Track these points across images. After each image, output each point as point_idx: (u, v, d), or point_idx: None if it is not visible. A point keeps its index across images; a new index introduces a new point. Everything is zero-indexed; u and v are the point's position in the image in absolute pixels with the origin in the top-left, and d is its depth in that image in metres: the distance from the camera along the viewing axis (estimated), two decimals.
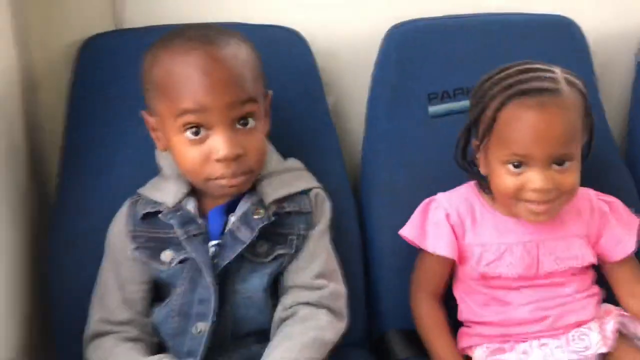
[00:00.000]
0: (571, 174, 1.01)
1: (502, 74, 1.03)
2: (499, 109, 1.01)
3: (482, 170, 1.09)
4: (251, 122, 0.95)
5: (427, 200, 1.14)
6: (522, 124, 0.98)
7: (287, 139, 1.13)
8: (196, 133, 0.93)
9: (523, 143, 0.98)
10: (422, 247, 1.11)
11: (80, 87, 1.15)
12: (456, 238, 1.09)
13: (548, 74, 1.01)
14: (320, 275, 0.99)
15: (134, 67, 1.13)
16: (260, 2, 1.28)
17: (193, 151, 0.93)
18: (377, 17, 1.30)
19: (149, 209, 1.00)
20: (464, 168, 1.12)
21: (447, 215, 1.10)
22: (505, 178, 1.02)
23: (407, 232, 1.12)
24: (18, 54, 1.13)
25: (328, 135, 1.22)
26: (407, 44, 1.24)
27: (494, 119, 1.01)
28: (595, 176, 1.19)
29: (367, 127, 1.26)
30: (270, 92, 1.03)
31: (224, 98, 0.91)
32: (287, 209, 1.00)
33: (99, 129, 1.14)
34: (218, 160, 0.93)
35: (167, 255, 0.98)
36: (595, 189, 1.15)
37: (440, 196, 1.13)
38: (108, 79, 1.16)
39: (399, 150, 1.20)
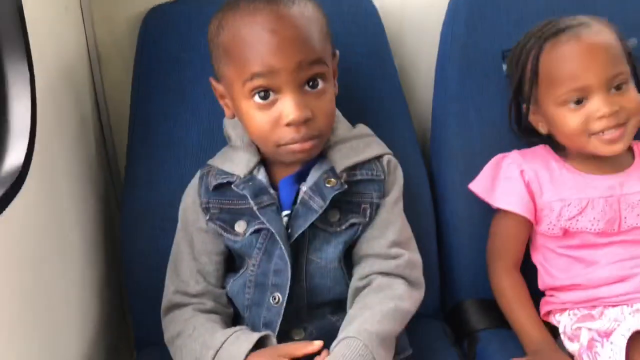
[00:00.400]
0: (632, 94, 1.01)
1: (529, 32, 1.06)
2: (538, 56, 1.02)
3: (543, 130, 1.06)
4: (320, 84, 0.92)
5: (499, 155, 1.09)
6: (566, 58, 1.00)
7: (354, 103, 1.10)
8: (265, 97, 0.91)
9: (575, 75, 0.99)
10: (490, 201, 1.06)
11: (145, 58, 1.15)
12: (531, 196, 1.05)
13: (573, 18, 1.04)
14: (395, 244, 0.97)
15: (196, 37, 1.13)
16: None
17: (262, 116, 0.91)
18: None
19: (220, 180, 0.99)
20: (524, 136, 1.09)
21: (522, 172, 1.06)
22: (568, 119, 1.01)
23: (476, 186, 1.09)
24: (85, 28, 1.14)
25: (396, 98, 1.18)
26: (477, 0, 1.17)
27: (537, 68, 1.03)
28: None
29: (436, 89, 1.21)
30: (337, 52, 1.00)
31: (292, 58, 0.88)
32: (359, 177, 0.98)
33: (165, 100, 1.14)
34: (288, 125, 0.90)
35: (240, 225, 0.97)
36: None
37: (515, 153, 1.09)
38: (172, 49, 1.15)
39: (472, 112, 1.14)
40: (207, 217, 0.99)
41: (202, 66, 1.12)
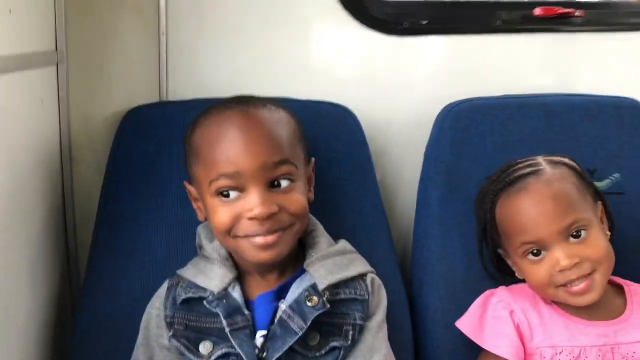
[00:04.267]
0: (594, 242, 0.96)
1: (489, 178, 1.05)
2: (493, 209, 1.01)
3: (519, 275, 1.03)
4: (285, 183, 0.90)
5: (487, 292, 1.04)
6: (516, 212, 0.98)
7: (335, 218, 1.07)
8: (228, 195, 0.89)
9: (526, 229, 0.97)
10: (478, 342, 1.00)
11: (118, 159, 1.10)
12: (521, 339, 0.99)
13: (528, 162, 1.02)
14: None
15: (175, 141, 1.10)
16: (309, 78, 1.25)
17: (225, 210, 0.89)
18: (430, 94, 1.26)
19: (190, 294, 0.92)
20: (501, 277, 1.06)
21: (512, 313, 1.00)
22: (532, 271, 0.98)
23: (463, 324, 1.03)
24: (60, 124, 1.11)
25: (377, 215, 1.14)
26: (462, 123, 1.17)
27: (493, 221, 1.01)
28: None
29: (418, 211, 1.18)
30: (313, 159, 0.99)
31: (258, 158, 0.88)
32: (342, 296, 0.92)
33: (135, 206, 1.08)
34: (250, 219, 0.87)
35: (206, 346, 0.90)
36: None
37: (503, 290, 1.04)
38: (147, 152, 1.11)
39: (455, 237, 1.11)
40: (171, 333, 0.91)
41: (177, 172, 1.09)
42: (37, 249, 1.03)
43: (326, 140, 1.12)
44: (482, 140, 1.16)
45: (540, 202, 0.96)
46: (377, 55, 1.28)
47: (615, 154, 1.14)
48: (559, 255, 0.95)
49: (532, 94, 1.23)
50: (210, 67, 1.23)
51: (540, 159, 1.02)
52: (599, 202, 1.02)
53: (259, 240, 0.88)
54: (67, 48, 1.12)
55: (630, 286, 1.04)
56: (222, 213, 0.89)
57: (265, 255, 0.89)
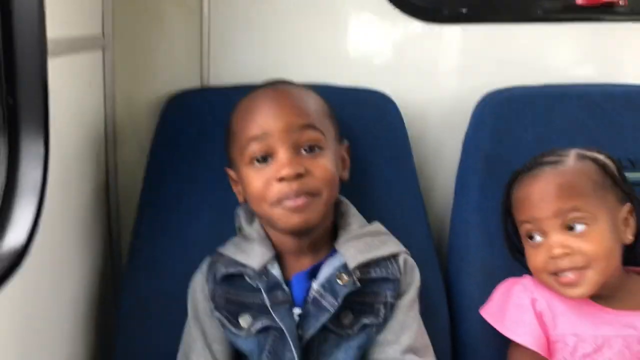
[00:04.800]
0: (594, 237, 0.94)
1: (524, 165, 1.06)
2: (510, 191, 1.03)
3: None
4: (316, 150, 0.93)
5: (511, 279, 1.04)
6: (522, 193, 1.00)
7: (371, 203, 1.08)
8: (262, 161, 0.93)
9: (524, 208, 0.99)
10: (500, 330, 1.00)
11: (161, 143, 1.13)
12: (543, 328, 0.98)
13: (557, 153, 1.02)
14: (409, 350, 0.91)
15: (217, 126, 1.11)
16: (348, 66, 1.25)
17: (258, 177, 0.92)
18: (469, 82, 1.26)
19: (231, 270, 0.95)
20: (516, 256, 1.06)
21: (533, 301, 1.00)
22: (530, 255, 0.99)
23: (486, 312, 1.03)
24: (106, 106, 1.13)
25: (414, 201, 1.14)
26: (502, 112, 1.17)
27: (509, 203, 1.03)
28: None
29: (456, 198, 1.18)
30: (347, 142, 1.01)
31: (282, 119, 0.92)
32: (373, 275, 0.93)
33: (177, 188, 1.11)
34: (280, 180, 0.90)
35: (246, 319, 0.92)
36: None
37: (527, 279, 1.04)
38: (190, 136, 1.13)
39: (494, 226, 1.10)
40: (213, 306, 0.94)
41: (218, 156, 1.09)
42: (82, 228, 1.05)
43: (365, 126, 1.13)
44: (523, 130, 1.15)
45: (544, 185, 0.98)
46: (416, 43, 1.28)
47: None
48: (553, 242, 0.95)
49: (573, 84, 1.22)
50: (251, 55, 1.24)
51: (571, 152, 1.01)
52: (628, 204, 0.99)
53: (290, 203, 0.90)
54: (114, 33, 1.14)
55: None
56: (254, 180, 0.92)
57: (296, 219, 0.90)
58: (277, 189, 0.90)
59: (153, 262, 1.07)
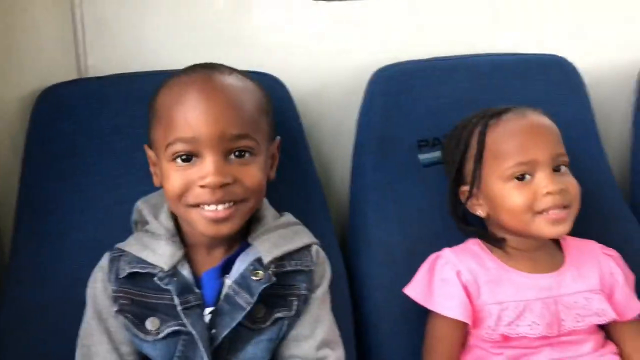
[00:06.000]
0: (573, 181, 1.01)
1: (468, 117, 1.07)
2: (485, 132, 1.02)
3: (482, 213, 1.04)
4: (247, 156, 0.88)
5: (433, 255, 1.05)
6: (514, 133, 1.01)
7: (270, 192, 1.03)
8: (186, 160, 0.87)
9: (523, 149, 0.99)
10: (429, 307, 1.01)
11: (36, 142, 1.05)
12: (470, 298, 1.00)
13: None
14: (324, 344, 0.90)
15: (94, 118, 1.06)
16: (235, 47, 1.21)
17: (179, 175, 0.87)
18: (360, 60, 1.24)
19: (137, 269, 0.89)
20: (461, 222, 1.07)
21: (458, 273, 1.01)
22: (513, 195, 0.99)
23: (412, 291, 1.03)
24: None
25: (312, 185, 1.13)
26: (393, 88, 1.17)
27: (482, 144, 1.02)
28: (600, 223, 1.14)
29: (353, 178, 1.18)
30: (279, 138, 0.97)
31: (216, 126, 0.85)
32: (288, 268, 0.91)
33: (56, 188, 1.04)
34: (202, 187, 0.85)
35: (153, 322, 0.87)
36: (601, 235, 1.09)
37: (447, 252, 1.04)
38: (66, 133, 1.06)
39: (390, 202, 1.11)
40: (116, 308, 0.88)
41: (97, 150, 1.05)
42: None
43: None
44: (413, 104, 1.16)
45: (539, 127, 1.01)
46: (305, 20, 1.24)
47: (544, 111, 1.14)
48: (548, 180, 0.97)
49: (460, 55, 1.23)
50: (131, 41, 1.17)
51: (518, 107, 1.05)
52: None
53: (209, 213, 0.86)
54: None
55: (566, 239, 1.07)
56: (175, 178, 0.87)
57: (215, 230, 0.87)
58: (197, 193, 0.86)
59: (35, 270, 1.00)
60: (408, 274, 1.04)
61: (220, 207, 0.86)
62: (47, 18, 1.12)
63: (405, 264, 1.06)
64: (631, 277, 1.07)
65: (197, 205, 0.86)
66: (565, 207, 0.98)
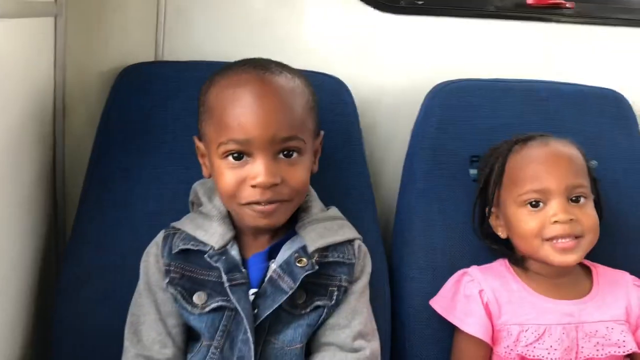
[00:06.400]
0: (589, 211, 1.02)
1: (502, 141, 1.10)
2: (506, 156, 1.06)
3: (502, 234, 1.07)
4: (295, 156, 0.92)
5: (460, 272, 1.08)
6: (531, 160, 1.04)
7: (323, 187, 1.08)
8: (238, 158, 0.91)
9: (537, 176, 1.01)
10: (450, 320, 1.04)
11: (112, 115, 1.11)
12: (490, 317, 1.03)
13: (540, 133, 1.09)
14: (359, 336, 0.93)
15: (170, 100, 1.12)
16: (304, 49, 1.27)
17: (231, 174, 0.91)
18: (421, 73, 1.29)
19: (190, 246, 0.94)
20: (484, 240, 1.10)
21: (481, 292, 1.04)
22: (525, 220, 1.02)
23: (436, 303, 1.07)
24: (56, 75, 1.11)
25: (363, 187, 1.17)
26: (450, 103, 1.20)
27: (503, 167, 1.06)
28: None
29: (402, 184, 1.22)
30: (322, 132, 1.00)
31: (268, 129, 0.89)
32: (330, 259, 0.95)
33: (126, 160, 1.09)
34: (253, 186, 0.89)
35: (200, 297, 0.92)
36: (638, 266, 1.11)
37: (474, 269, 1.08)
38: (141, 110, 1.12)
39: (436, 212, 1.14)
40: (167, 280, 0.93)
41: (170, 130, 1.10)
42: (25, 198, 1.03)
43: (321, 112, 1.13)
44: (469, 120, 1.19)
45: (557, 156, 1.03)
46: (372, 31, 1.30)
47: (594, 142, 1.17)
48: (558, 208, 0.99)
49: (519, 79, 1.27)
50: (206, 31, 1.24)
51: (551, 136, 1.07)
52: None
53: (259, 208, 0.90)
54: (67, 1, 1.12)
55: (597, 268, 1.09)
56: (228, 176, 0.90)
57: (263, 222, 0.92)
58: (250, 193, 0.89)
59: (97, 235, 1.06)
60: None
61: (268, 206, 0.90)
62: (134, 2, 1.19)
63: (446, 272, 1.09)
64: None
65: (248, 205, 0.91)
66: (576, 237, 1.00)
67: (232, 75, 0.92)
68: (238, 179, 0.90)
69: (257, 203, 0.90)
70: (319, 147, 1.00)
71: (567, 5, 1.36)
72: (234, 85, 0.91)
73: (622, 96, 1.27)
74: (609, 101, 1.26)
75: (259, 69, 0.92)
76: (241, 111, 0.89)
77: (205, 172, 0.98)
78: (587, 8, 1.39)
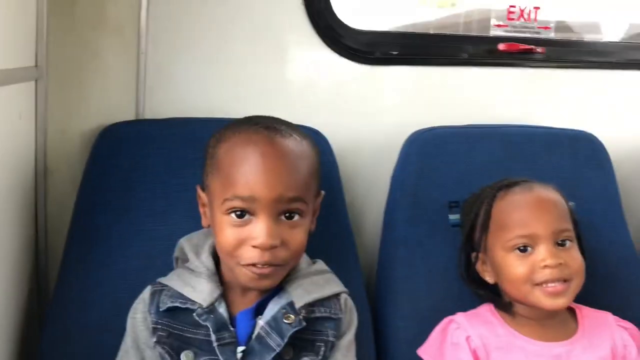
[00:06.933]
0: (576, 255, 1.04)
1: (485, 186, 1.12)
2: (492, 202, 1.07)
3: (490, 279, 1.08)
4: (296, 218, 0.92)
5: (446, 319, 1.08)
6: (518, 206, 1.05)
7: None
8: (240, 216, 0.91)
9: (525, 222, 1.03)
10: None
11: (93, 175, 1.12)
12: None
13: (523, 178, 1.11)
14: None
15: (149, 157, 1.13)
16: (283, 102, 1.30)
17: (233, 231, 0.91)
18: (398, 121, 1.31)
19: (177, 304, 0.94)
20: (471, 286, 1.10)
21: (468, 338, 1.04)
22: (515, 265, 1.03)
23: (424, 353, 1.07)
24: (37, 139, 1.12)
25: (345, 237, 1.18)
26: (428, 150, 1.23)
27: (489, 214, 1.07)
28: (621, 295, 1.17)
29: (384, 232, 1.23)
30: (323, 192, 1.01)
31: (274, 190, 0.89)
32: (317, 314, 0.95)
33: (107, 219, 1.10)
34: (254, 247, 0.89)
35: (187, 356, 0.92)
36: (621, 306, 1.12)
37: (460, 316, 1.08)
38: (122, 168, 1.13)
39: (419, 258, 1.16)
40: (155, 339, 0.93)
41: (151, 188, 1.11)
42: (8, 261, 1.03)
43: None
44: (446, 167, 1.22)
45: (543, 202, 1.04)
46: (349, 82, 1.34)
47: (570, 184, 1.19)
48: (547, 253, 1.00)
49: (494, 124, 1.30)
50: (187, 88, 1.26)
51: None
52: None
53: (255, 270, 0.90)
54: (48, 64, 1.14)
55: (582, 309, 1.09)
56: (229, 233, 0.91)
57: (258, 284, 0.92)
58: (250, 255, 0.90)
59: (80, 295, 1.06)
60: (432, 330, 1.08)
61: (265, 269, 0.90)
62: (115, 62, 1.21)
63: (431, 319, 1.09)
64: None
65: (246, 266, 0.91)
66: (565, 280, 1.01)
67: (242, 133, 0.93)
68: (238, 238, 0.90)
69: (254, 264, 0.90)
70: (319, 206, 1.00)
71: (538, 50, 1.40)
72: (244, 144, 0.92)
73: (594, 137, 1.30)
74: (582, 143, 1.29)
75: (271, 130, 0.93)
76: (250, 170, 0.90)
77: (204, 222, 0.98)
78: (558, 52, 1.44)
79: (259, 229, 0.89)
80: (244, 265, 0.90)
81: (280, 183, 0.90)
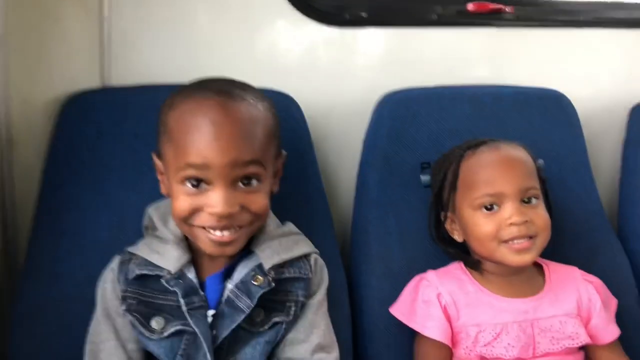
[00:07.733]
0: (542, 213, 1.05)
1: (454, 147, 1.13)
2: (459, 162, 1.08)
3: (458, 238, 1.09)
4: (254, 183, 0.91)
5: (417, 277, 1.10)
6: (485, 164, 1.06)
7: (277, 202, 1.08)
8: (196, 185, 0.89)
9: (491, 181, 1.04)
10: (411, 325, 1.06)
11: (59, 144, 1.10)
12: (449, 319, 1.05)
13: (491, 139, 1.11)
14: (319, 348, 0.94)
15: (117, 126, 1.11)
16: (252, 67, 1.27)
17: (188, 200, 0.89)
18: (369, 84, 1.31)
19: (145, 271, 0.94)
20: (441, 245, 1.12)
21: (439, 295, 1.06)
22: (481, 224, 1.04)
23: (396, 310, 1.09)
24: None
25: (318, 200, 1.18)
26: (399, 112, 1.23)
27: (457, 173, 1.08)
28: (588, 251, 1.19)
29: (357, 195, 1.23)
30: (285, 153, 1.00)
31: (227, 155, 0.87)
32: (287, 275, 0.96)
33: (76, 189, 1.08)
34: (210, 214, 0.88)
35: (158, 322, 0.92)
36: (588, 262, 1.14)
37: (431, 274, 1.10)
38: (89, 137, 1.11)
39: (392, 219, 1.17)
40: (124, 307, 0.93)
41: (119, 157, 1.10)
42: None
43: None
44: (417, 128, 1.22)
45: (509, 161, 1.05)
46: (319, 45, 1.32)
47: (540, 142, 1.21)
48: (513, 211, 1.02)
49: (464, 85, 1.30)
50: (153, 54, 1.24)
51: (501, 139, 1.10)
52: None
53: (215, 236, 0.89)
54: (7, 31, 1.10)
55: (549, 265, 1.12)
56: (183, 201, 0.89)
57: (219, 251, 0.91)
58: (205, 219, 0.89)
59: (50, 266, 1.05)
60: None
61: (226, 232, 0.90)
62: (77, 29, 1.18)
63: (403, 278, 1.11)
64: (613, 302, 1.11)
65: (203, 228, 0.90)
66: (530, 237, 1.02)
67: (193, 100, 0.90)
68: (193, 205, 0.89)
69: (212, 229, 0.89)
70: (281, 167, 0.99)
71: (506, 10, 1.40)
72: (194, 111, 0.89)
73: (563, 95, 1.31)
74: (552, 101, 1.30)
75: (222, 95, 0.90)
76: (201, 137, 0.87)
77: (163, 189, 0.97)
78: (527, 11, 1.43)
79: (215, 197, 0.88)
80: (199, 227, 0.90)
81: (233, 148, 0.87)
